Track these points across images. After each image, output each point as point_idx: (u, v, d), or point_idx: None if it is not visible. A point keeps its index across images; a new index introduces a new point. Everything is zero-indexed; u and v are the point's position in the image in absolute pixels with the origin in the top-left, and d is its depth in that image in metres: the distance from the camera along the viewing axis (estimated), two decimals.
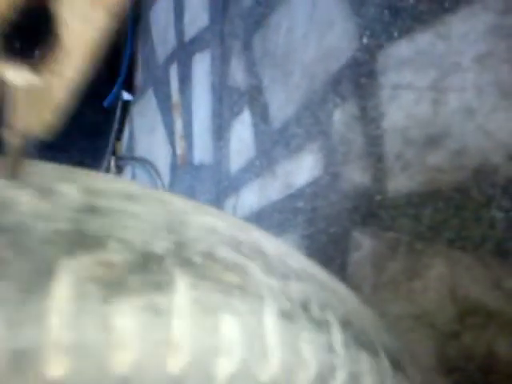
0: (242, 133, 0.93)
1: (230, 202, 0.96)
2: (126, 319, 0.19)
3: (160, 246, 0.22)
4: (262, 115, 0.87)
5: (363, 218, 0.68)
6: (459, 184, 0.57)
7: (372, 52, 0.67)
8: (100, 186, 0.24)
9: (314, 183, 0.76)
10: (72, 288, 0.19)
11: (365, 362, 0.26)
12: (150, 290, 0.20)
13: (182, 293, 0.20)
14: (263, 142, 0.87)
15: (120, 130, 1.43)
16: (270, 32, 0.85)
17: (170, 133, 1.20)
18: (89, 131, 1.34)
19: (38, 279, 0.19)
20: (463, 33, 0.57)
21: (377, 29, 0.66)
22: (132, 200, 0.24)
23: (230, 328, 0.20)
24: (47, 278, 0.19)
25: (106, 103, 1.36)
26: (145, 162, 1.27)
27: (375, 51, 0.66)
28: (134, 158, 1.34)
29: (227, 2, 0.97)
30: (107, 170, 1.41)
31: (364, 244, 0.69)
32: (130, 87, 1.37)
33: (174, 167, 1.18)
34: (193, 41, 1.10)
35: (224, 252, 0.23)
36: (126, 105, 1.41)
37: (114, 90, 1.33)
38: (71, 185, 0.23)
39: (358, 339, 0.26)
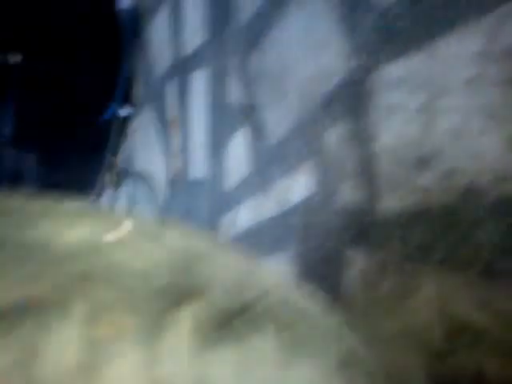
0: (238, 150, 0.94)
1: (225, 219, 0.97)
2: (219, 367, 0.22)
3: (248, 295, 0.24)
4: (257, 133, 0.88)
5: (355, 237, 0.69)
6: (448, 205, 0.58)
7: (365, 73, 0.68)
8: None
9: (307, 201, 0.77)
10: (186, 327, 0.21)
11: None
12: (250, 336, 0.23)
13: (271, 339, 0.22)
14: (258, 159, 0.88)
15: (116, 146, 1.45)
16: (267, 49, 0.87)
17: (167, 149, 1.21)
18: (85, 147, 1.35)
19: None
20: (455, 55, 0.58)
21: (370, 50, 0.68)
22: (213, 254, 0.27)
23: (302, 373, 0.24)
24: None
25: (102, 119, 1.37)
26: (141, 178, 1.28)
27: (368, 72, 0.67)
28: (130, 174, 1.35)
29: (226, 18, 0.98)
30: (103, 186, 1.42)
31: (356, 263, 0.69)
32: (127, 102, 1.39)
33: (170, 183, 1.19)
34: (191, 57, 1.12)
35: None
36: (123, 120, 1.42)
37: (112, 105, 1.34)
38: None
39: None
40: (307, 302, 0.32)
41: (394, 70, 0.64)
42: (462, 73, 0.57)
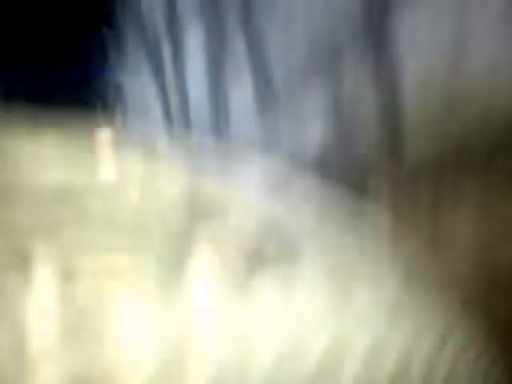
0: (242, 99, 0.88)
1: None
2: (269, 292, 0.20)
3: (281, 213, 0.23)
4: (264, 81, 0.83)
5: (379, 185, 0.65)
6: (485, 145, 0.54)
7: (386, 9, 0.63)
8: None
9: (322, 150, 0.72)
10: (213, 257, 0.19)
11: None
12: (284, 260, 0.21)
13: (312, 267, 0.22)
14: (265, 107, 0.83)
15: (112, 113, 1.39)
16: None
17: (166, 112, 1.16)
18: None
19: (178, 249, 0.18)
20: None
21: None
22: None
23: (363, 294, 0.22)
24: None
25: (96, 82, 1.31)
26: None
27: (389, 7, 0.62)
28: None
29: None
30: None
31: (382, 218, 0.65)
32: (118, 60, 1.32)
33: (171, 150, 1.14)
34: (186, 9, 1.06)
35: None
36: (118, 87, 1.36)
37: (102, 62, 1.28)
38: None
39: None
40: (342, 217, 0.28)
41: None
42: None
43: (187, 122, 1.06)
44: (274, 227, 0.19)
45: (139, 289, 0.14)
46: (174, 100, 1.11)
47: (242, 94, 0.87)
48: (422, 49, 0.58)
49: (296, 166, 0.76)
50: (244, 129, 0.87)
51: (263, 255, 0.17)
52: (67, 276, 0.14)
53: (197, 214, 0.16)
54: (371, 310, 0.20)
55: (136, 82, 1.31)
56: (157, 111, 1.20)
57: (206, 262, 0.15)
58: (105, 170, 0.21)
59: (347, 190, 0.62)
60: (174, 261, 0.15)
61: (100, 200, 0.17)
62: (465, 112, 0.54)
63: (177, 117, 1.10)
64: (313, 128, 0.73)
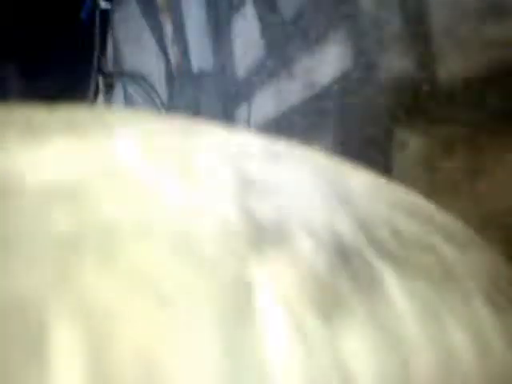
0: (246, 29, 0.80)
1: (241, 112, 0.85)
2: (355, 344, 0.13)
3: (345, 228, 0.15)
4: (268, 4, 0.75)
5: (408, 112, 0.58)
6: None
7: None
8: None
9: (342, 78, 0.65)
10: (276, 302, 0.13)
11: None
12: (365, 298, 0.14)
13: (398, 296, 0.15)
14: (273, 36, 0.75)
15: (103, 45, 1.30)
16: None
17: (160, 39, 1.07)
18: (69, 50, 1.20)
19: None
20: None
21: None
22: (276, 162, 0.17)
23: (458, 334, 0.15)
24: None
25: (82, 16, 1.21)
26: (136, 77, 1.15)
27: None
28: (123, 74, 1.21)
29: None
30: (96, 90, 1.29)
31: (411, 143, 0.59)
32: None
33: (170, 79, 1.06)
34: None
35: (404, 223, 0.17)
36: (105, 14, 1.26)
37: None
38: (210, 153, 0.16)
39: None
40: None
41: None
42: None
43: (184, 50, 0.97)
44: (346, 251, 0.14)
45: (197, 354, 0.10)
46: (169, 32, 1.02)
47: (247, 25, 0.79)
48: None
49: (311, 93, 0.69)
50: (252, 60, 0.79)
51: (338, 292, 0.12)
52: (98, 347, 0.10)
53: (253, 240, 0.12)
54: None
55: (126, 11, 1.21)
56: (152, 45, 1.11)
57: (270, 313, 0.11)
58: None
59: (375, 120, 0.55)
60: (235, 314, 0.10)
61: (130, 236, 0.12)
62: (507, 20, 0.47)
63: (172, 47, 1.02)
64: (331, 52, 0.65)
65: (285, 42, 0.73)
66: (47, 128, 0.13)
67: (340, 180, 0.19)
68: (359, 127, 0.64)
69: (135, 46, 1.19)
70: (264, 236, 0.14)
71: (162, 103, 1.06)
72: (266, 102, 0.79)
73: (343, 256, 0.15)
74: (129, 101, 1.24)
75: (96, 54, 1.22)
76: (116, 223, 0.11)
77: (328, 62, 0.66)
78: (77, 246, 0.11)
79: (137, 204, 0.12)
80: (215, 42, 0.89)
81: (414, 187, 0.59)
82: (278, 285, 0.14)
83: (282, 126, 0.77)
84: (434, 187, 0.57)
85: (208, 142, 0.17)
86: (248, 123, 0.84)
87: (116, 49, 1.29)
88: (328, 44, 0.66)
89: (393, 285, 0.16)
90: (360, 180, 0.20)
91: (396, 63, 0.57)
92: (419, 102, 0.56)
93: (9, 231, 0.11)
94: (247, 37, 0.80)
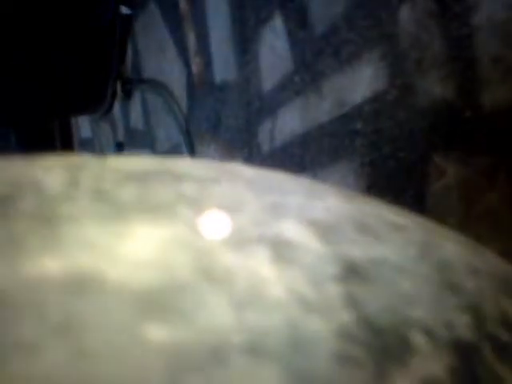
0: (274, 43, 0.78)
1: (264, 127, 0.83)
2: None
3: (461, 324, 0.13)
4: (298, 19, 0.73)
5: (446, 139, 0.56)
6: None
7: None
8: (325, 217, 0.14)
9: (375, 99, 0.62)
10: None
11: None
12: None
13: None
14: (303, 52, 0.73)
15: (123, 51, 1.28)
16: None
17: (182, 48, 1.05)
18: (87, 56, 1.18)
19: None
20: None
21: None
22: (371, 236, 0.14)
23: None
24: None
25: (103, 21, 1.19)
26: (156, 85, 1.13)
27: None
28: (143, 81, 1.19)
29: None
30: (113, 97, 1.27)
31: (448, 171, 0.56)
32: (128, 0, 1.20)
33: (191, 89, 1.04)
34: None
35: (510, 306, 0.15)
36: (126, 20, 1.24)
37: (111, 3, 1.16)
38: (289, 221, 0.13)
39: None
40: None
41: None
42: None
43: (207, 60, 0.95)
44: (466, 351, 0.12)
45: None
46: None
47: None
48: None
49: (340, 112, 0.66)
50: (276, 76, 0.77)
51: None
52: None
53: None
54: None
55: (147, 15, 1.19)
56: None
57: None
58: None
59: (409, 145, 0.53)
60: None
61: None
62: None
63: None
64: (364, 71, 0.62)
65: (314, 58, 0.70)
66: (128, 210, 0.10)
67: (442, 256, 0.16)
68: (390, 151, 0.62)
69: (156, 53, 1.17)
70: (385, 350, 0.11)
71: (182, 113, 1.04)
72: (292, 119, 0.77)
73: (463, 356, 0.13)
74: (147, 109, 1.22)
75: (115, 59, 1.20)
76: (224, 338, 0.09)
77: (360, 82, 0.64)
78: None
79: (239, 310, 0.10)
80: (240, 54, 0.87)
81: (448, 217, 0.56)
82: None
83: (308, 145, 0.75)
84: (470, 219, 0.54)
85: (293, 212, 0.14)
86: (271, 140, 0.82)
87: (136, 56, 1.27)
88: (361, 63, 0.63)
89: None
90: (457, 250, 0.18)
91: (435, 87, 0.55)
92: (459, 129, 0.54)
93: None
94: (275, 50, 0.78)
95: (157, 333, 0.08)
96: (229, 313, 0.09)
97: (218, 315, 0.09)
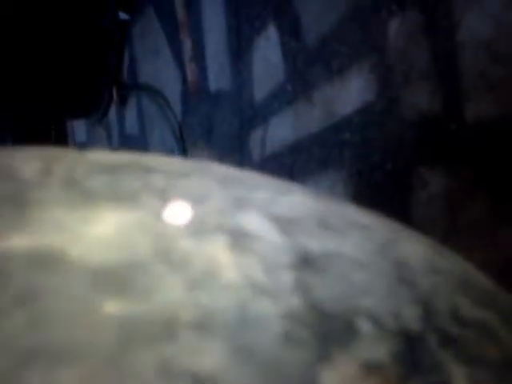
0: (268, 52, 0.79)
1: (256, 135, 0.84)
2: None
3: (410, 314, 0.14)
4: (291, 30, 0.74)
5: (432, 150, 0.57)
6: None
7: None
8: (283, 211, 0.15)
9: (364, 110, 0.63)
10: None
11: None
12: None
13: None
14: (295, 62, 0.74)
15: (119, 56, 1.29)
16: None
17: (178, 55, 1.06)
18: (84, 59, 1.20)
19: None
20: None
21: None
22: (332, 233, 0.15)
23: None
24: None
25: (101, 26, 1.21)
26: (151, 90, 1.14)
27: None
28: (138, 87, 1.21)
29: None
30: (109, 102, 1.28)
31: (433, 182, 0.57)
32: (126, 5, 1.22)
33: (185, 95, 1.05)
34: None
35: (464, 304, 0.16)
36: (124, 26, 1.25)
37: (109, 9, 1.18)
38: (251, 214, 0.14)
39: None
40: None
41: None
42: None
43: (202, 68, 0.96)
44: (411, 339, 0.13)
45: None
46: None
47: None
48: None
49: (330, 122, 0.67)
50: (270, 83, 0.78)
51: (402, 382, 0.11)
52: None
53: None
54: None
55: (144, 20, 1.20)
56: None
57: None
58: None
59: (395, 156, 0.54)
60: None
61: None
62: None
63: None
64: (354, 83, 0.64)
65: (306, 68, 0.72)
66: (96, 197, 0.11)
67: (400, 254, 0.17)
68: (378, 162, 0.63)
69: (152, 59, 1.18)
70: (331, 333, 0.12)
71: (176, 119, 1.05)
72: (283, 128, 0.78)
73: (408, 345, 0.14)
74: (142, 114, 1.23)
75: (112, 64, 1.21)
76: (174, 314, 0.10)
77: (349, 93, 0.65)
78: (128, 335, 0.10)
79: (192, 290, 0.10)
80: (235, 62, 0.88)
81: (432, 226, 0.57)
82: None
83: (298, 154, 0.76)
84: (453, 228, 0.55)
85: (256, 205, 0.15)
86: (262, 147, 0.83)
87: (132, 61, 1.28)
88: (351, 74, 0.64)
89: (455, 375, 0.15)
90: (417, 250, 0.19)
91: (421, 99, 0.56)
92: (444, 141, 0.55)
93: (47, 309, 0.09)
94: (268, 60, 0.79)
95: (111, 306, 0.09)
96: (182, 292, 0.10)
97: (171, 293, 0.10)
